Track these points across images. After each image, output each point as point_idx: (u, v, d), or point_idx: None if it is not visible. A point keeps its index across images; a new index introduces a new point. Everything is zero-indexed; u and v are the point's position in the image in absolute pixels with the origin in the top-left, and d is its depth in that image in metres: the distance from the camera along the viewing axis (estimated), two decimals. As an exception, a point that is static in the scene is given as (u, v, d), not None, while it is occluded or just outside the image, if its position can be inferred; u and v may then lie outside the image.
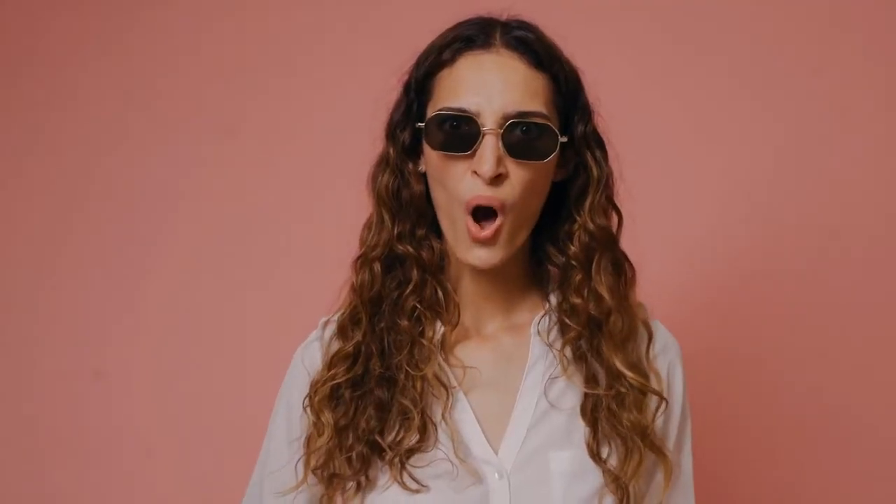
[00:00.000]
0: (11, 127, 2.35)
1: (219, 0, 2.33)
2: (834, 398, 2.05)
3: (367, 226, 1.31)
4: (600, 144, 1.29)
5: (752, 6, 2.13)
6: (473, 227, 1.22)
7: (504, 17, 1.27)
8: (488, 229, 1.22)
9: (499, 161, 1.19)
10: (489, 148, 1.19)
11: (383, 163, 1.30)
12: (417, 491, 1.22)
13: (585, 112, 1.28)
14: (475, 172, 1.20)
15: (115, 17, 2.33)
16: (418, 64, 1.27)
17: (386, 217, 1.28)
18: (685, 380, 1.36)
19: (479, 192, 1.20)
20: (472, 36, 1.24)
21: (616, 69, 2.02)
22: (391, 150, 1.29)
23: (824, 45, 2.11)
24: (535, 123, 1.20)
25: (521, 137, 1.20)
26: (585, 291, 1.27)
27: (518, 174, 1.21)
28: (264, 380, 2.16)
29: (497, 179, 1.20)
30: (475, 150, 1.20)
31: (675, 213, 2.10)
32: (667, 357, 1.34)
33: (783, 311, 2.08)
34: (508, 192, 1.21)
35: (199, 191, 2.28)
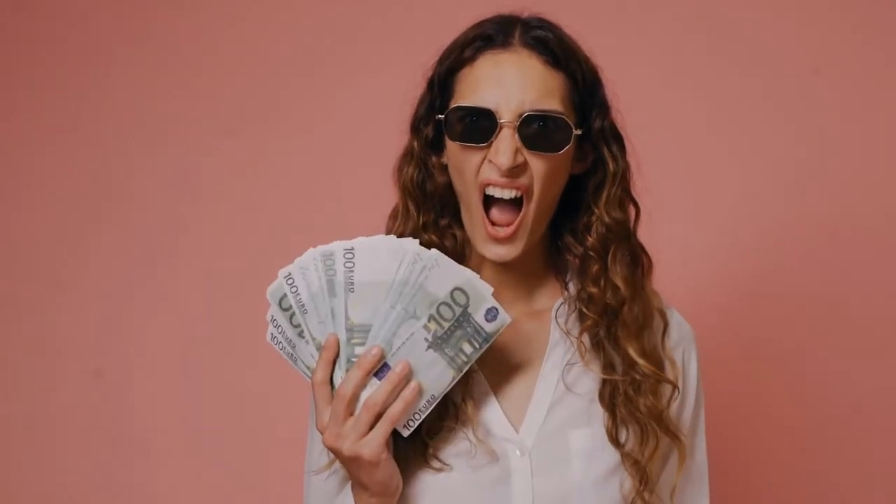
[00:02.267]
0: (18, 128, 2.37)
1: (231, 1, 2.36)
2: (853, 388, 2.08)
3: (393, 215, 1.34)
4: (617, 139, 1.32)
5: (771, 6, 2.17)
6: (488, 226, 1.25)
7: (525, 16, 1.30)
8: (507, 229, 1.25)
9: (515, 152, 1.22)
10: (506, 139, 1.22)
11: (408, 155, 1.34)
12: (440, 469, 1.25)
13: (603, 108, 1.30)
14: (492, 162, 1.24)
15: (130, 18, 2.36)
16: (441, 61, 1.30)
17: (411, 207, 1.32)
18: (699, 366, 1.38)
19: (495, 176, 1.23)
20: (492, 35, 1.27)
21: (632, 68, 2.03)
22: (415, 144, 1.33)
23: (837, 43, 2.15)
24: (551, 117, 1.23)
25: (536, 130, 1.23)
26: (602, 281, 1.29)
27: (535, 165, 1.24)
28: (269, 381, 2.18)
29: (515, 170, 1.23)
30: (492, 142, 1.23)
31: (691, 207, 2.13)
32: (682, 344, 1.36)
33: (802, 305, 2.11)
34: (528, 181, 1.24)
35: (204, 192, 2.30)
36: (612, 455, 1.27)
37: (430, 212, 1.32)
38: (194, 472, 2.24)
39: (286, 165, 2.27)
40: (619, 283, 1.29)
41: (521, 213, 1.25)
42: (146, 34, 2.34)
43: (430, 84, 1.31)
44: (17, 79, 2.37)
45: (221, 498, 2.25)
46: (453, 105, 1.26)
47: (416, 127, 1.33)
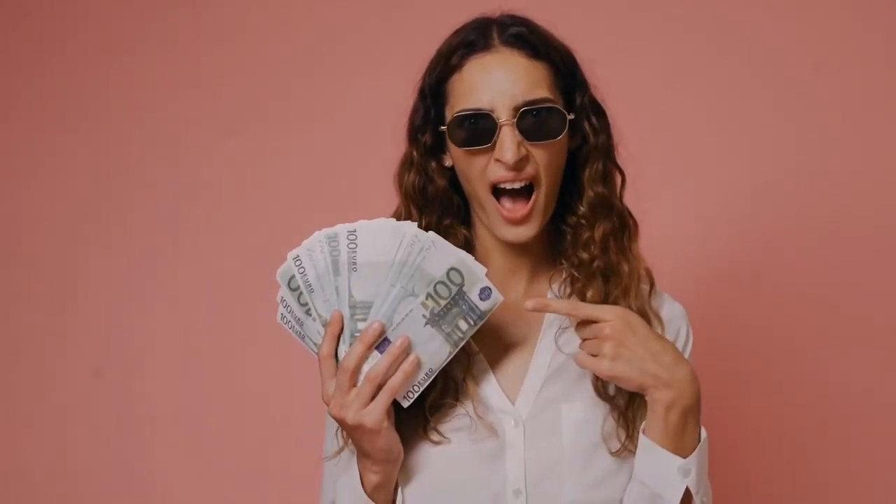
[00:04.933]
0: (18, 129, 2.41)
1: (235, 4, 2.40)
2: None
3: (396, 217, 1.40)
4: (597, 112, 1.40)
5: (771, 6, 2.20)
6: (504, 209, 1.33)
7: (497, 16, 1.37)
8: (523, 209, 1.33)
9: (518, 146, 1.30)
10: (508, 137, 1.30)
11: (408, 163, 1.41)
12: (439, 443, 1.33)
13: (583, 85, 1.39)
14: (498, 160, 1.31)
15: (130, 19, 2.40)
16: (429, 72, 1.38)
17: (414, 211, 1.40)
18: (692, 337, 1.45)
19: (502, 173, 1.31)
20: (473, 41, 1.34)
21: (632, 68, 2.11)
22: (414, 152, 1.40)
23: (837, 43, 2.18)
24: (544, 108, 1.31)
25: (533, 122, 1.30)
26: (592, 247, 1.38)
27: (538, 154, 1.32)
28: (269, 379, 2.20)
29: (520, 163, 1.30)
30: (495, 142, 1.31)
31: (691, 206, 2.17)
32: (674, 322, 1.43)
33: (799, 302, 2.14)
34: (534, 171, 1.32)
35: (204, 192, 2.34)
36: (598, 426, 1.34)
37: (432, 214, 1.40)
38: (195, 470, 2.29)
39: (286, 165, 2.31)
40: (607, 247, 1.37)
41: (533, 198, 1.33)
42: (147, 34, 2.38)
43: (422, 94, 1.39)
44: (19, 80, 2.41)
45: (222, 495, 2.28)
46: (451, 111, 1.34)
47: (413, 136, 1.41)
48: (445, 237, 1.36)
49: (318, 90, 2.31)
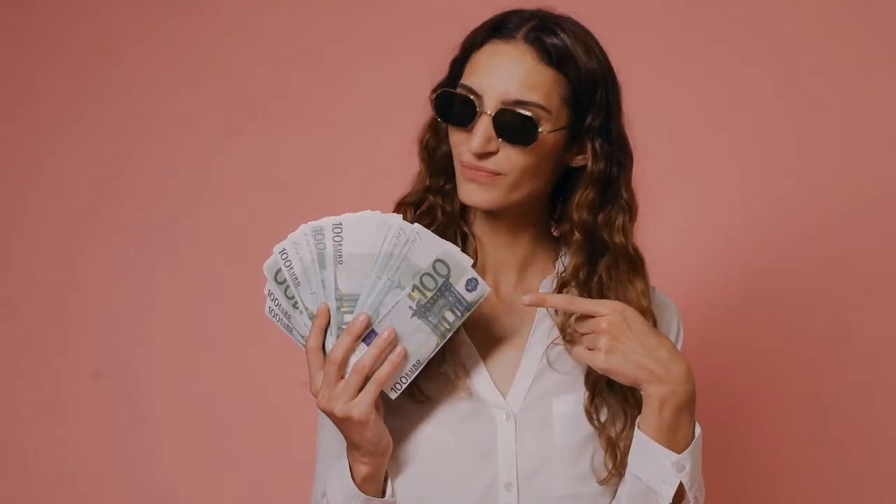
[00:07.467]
0: (21, 129, 2.42)
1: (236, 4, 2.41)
2: (853, 386, 2.12)
3: (418, 178, 1.42)
4: (608, 139, 1.35)
5: (771, 6, 2.21)
6: (468, 171, 1.32)
7: (540, 12, 1.34)
8: (483, 171, 1.31)
9: (489, 139, 1.29)
10: (481, 127, 1.29)
11: (430, 124, 1.41)
12: (422, 402, 1.33)
13: (600, 108, 1.34)
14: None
15: (131, 18, 2.42)
16: (464, 41, 1.36)
17: (424, 171, 1.41)
18: (682, 333, 1.45)
19: (470, 159, 1.31)
20: (501, 26, 1.32)
21: (631, 67, 2.05)
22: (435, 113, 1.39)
23: (837, 43, 2.18)
24: (523, 114, 1.29)
25: (509, 122, 1.29)
26: (581, 274, 1.36)
27: (508, 152, 1.30)
28: (272, 380, 2.21)
29: (486, 154, 1.30)
30: (472, 127, 1.30)
31: (690, 206, 2.17)
32: (665, 316, 1.43)
33: (797, 304, 2.14)
34: (498, 164, 1.30)
35: (205, 192, 2.35)
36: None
37: (438, 177, 1.39)
38: (195, 470, 2.30)
39: (286, 165, 2.33)
40: (600, 278, 1.36)
41: (498, 178, 1.31)
42: (147, 34, 2.40)
43: (452, 62, 1.38)
44: (21, 80, 2.43)
45: (222, 494, 2.29)
46: (448, 87, 1.33)
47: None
48: (444, 200, 1.38)
49: (318, 89, 2.32)
